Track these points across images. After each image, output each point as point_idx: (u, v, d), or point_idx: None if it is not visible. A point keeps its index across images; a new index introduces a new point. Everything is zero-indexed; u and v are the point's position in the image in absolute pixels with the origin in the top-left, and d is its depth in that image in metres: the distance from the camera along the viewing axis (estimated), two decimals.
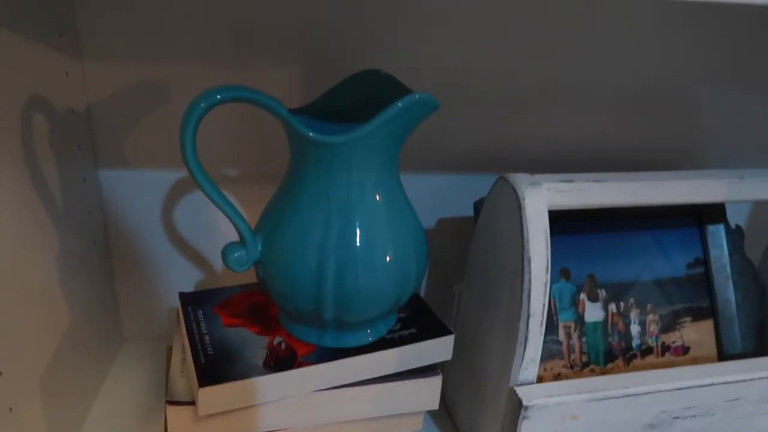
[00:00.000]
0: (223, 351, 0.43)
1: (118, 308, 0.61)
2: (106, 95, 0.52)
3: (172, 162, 0.56)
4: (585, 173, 0.44)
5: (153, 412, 0.52)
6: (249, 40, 0.51)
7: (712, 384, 0.44)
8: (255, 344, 0.44)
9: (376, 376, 0.44)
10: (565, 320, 0.54)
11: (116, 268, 0.59)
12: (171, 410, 0.41)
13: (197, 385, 0.39)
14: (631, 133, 0.62)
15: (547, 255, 0.40)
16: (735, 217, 0.68)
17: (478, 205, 0.55)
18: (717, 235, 0.58)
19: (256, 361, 0.42)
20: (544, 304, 0.41)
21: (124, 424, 0.51)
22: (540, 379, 0.51)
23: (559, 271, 0.55)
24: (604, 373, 0.54)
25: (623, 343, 0.55)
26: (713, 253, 0.58)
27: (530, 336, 0.41)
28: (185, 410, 0.41)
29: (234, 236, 0.58)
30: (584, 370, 0.53)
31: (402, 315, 0.49)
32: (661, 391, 0.43)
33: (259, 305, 0.49)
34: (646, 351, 0.55)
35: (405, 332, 0.46)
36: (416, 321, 0.48)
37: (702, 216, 0.58)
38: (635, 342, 0.55)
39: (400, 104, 0.38)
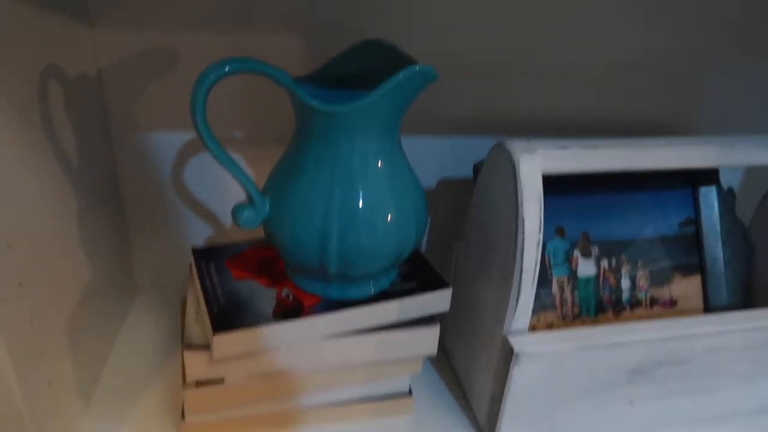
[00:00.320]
0: (235, 302, 0.46)
1: (132, 260, 0.64)
2: (115, 61, 0.53)
3: (181, 123, 0.58)
4: (579, 139, 0.46)
5: (169, 354, 0.56)
6: (254, 6, 0.52)
7: (692, 335, 0.47)
8: (264, 296, 0.47)
9: (378, 325, 0.48)
10: (558, 275, 0.57)
11: (130, 223, 0.62)
12: (188, 354, 0.44)
13: (211, 332, 0.43)
14: (627, 97, 0.63)
15: (540, 217, 0.43)
16: (728, 180, 0.70)
17: (477, 168, 0.57)
18: (709, 196, 0.60)
19: (265, 311, 0.45)
20: (536, 262, 0.43)
21: (143, 364, 0.55)
22: (533, 329, 0.55)
23: (555, 230, 0.57)
24: (594, 324, 0.57)
25: (613, 297, 0.58)
26: (705, 213, 0.60)
27: (522, 290, 0.44)
28: (201, 354, 0.44)
29: (241, 194, 0.61)
30: (575, 321, 0.57)
31: (403, 269, 0.52)
32: (643, 341, 0.46)
33: (267, 260, 0.52)
34: (635, 304, 0.58)
35: (406, 285, 0.49)
36: (416, 275, 0.51)
37: (696, 178, 0.60)
38: (625, 296, 0.58)
39: (401, 75, 0.39)
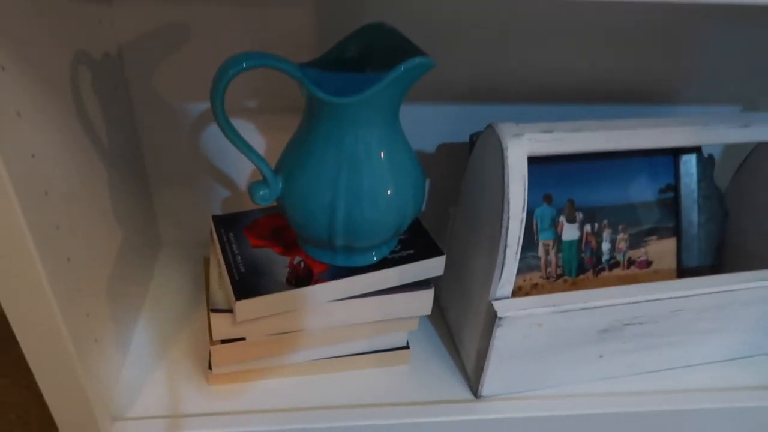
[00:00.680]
0: (253, 269, 0.52)
1: (156, 218, 0.70)
2: (134, 38, 0.57)
3: (198, 93, 0.62)
4: (564, 122, 0.50)
5: (195, 308, 0.63)
6: None
7: (656, 300, 0.53)
8: (278, 263, 0.53)
9: (380, 288, 0.54)
10: (544, 239, 0.62)
11: (153, 183, 0.67)
12: (213, 316, 0.51)
13: (234, 298, 0.49)
14: (622, 64, 0.66)
15: (524, 197, 0.47)
16: (710, 146, 0.73)
17: (472, 138, 0.61)
18: (689, 163, 0.64)
19: (279, 278, 0.51)
20: (519, 237, 0.49)
21: (172, 317, 0.62)
22: (519, 288, 0.61)
23: (543, 197, 0.62)
24: (575, 283, 0.63)
25: (594, 258, 0.64)
26: (684, 180, 0.64)
27: (506, 262, 0.49)
28: (225, 316, 0.50)
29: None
30: (558, 281, 0.63)
31: (403, 237, 0.57)
32: (612, 305, 0.52)
33: (280, 228, 0.57)
34: (614, 265, 0.64)
35: (404, 253, 0.55)
36: (415, 242, 0.56)
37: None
38: (605, 257, 0.64)
39: (402, 68, 0.43)
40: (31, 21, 0.39)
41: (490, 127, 0.50)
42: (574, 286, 0.63)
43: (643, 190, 0.64)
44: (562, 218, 0.62)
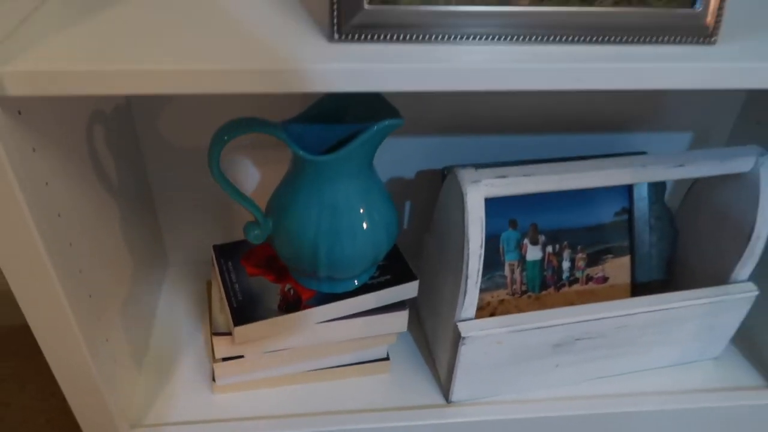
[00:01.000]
0: (249, 297, 0.60)
1: (163, 241, 0.77)
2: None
3: (199, 132, 0.69)
4: (517, 167, 0.57)
5: (200, 325, 0.71)
6: None
7: (603, 318, 0.60)
8: (271, 291, 0.61)
9: (361, 311, 0.61)
10: (510, 260, 0.69)
11: (159, 211, 0.74)
12: (215, 339, 0.58)
13: (233, 324, 0.57)
14: (585, 99, 0.72)
15: (482, 236, 0.55)
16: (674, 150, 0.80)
17: (444, 173, 0.68)
18: (641, 189, 0.71)
19: (272, 304, 0.59)
20: (478, 269, 0.56)
21: (180, 332, 0.70)
22: (488, 304, 0.69)
23: (508, 222, 0.69)
24: (538, 299, 0.70)
25: (555, 276, 0.71)
26: (637, 204, 0.71)
27: (468, 290, 0.57)
28: (225, 339, 0.58)
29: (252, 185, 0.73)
30: (522, 297, 0.70)
31: (381, 263, 0.65)
32: (563, 324, 0.59)
33: (273, 257, 0.65)
34: (573, 281, 0.71)
35: (382, 278, 0.62)
36: (391, 268, 0.64)
37: None
38: (565, 275, 0.71)
39: (374, 129, 0.50)
40: None
41: (452, 173, 0.57)
42: (538, 301, 0.71)
43: (600, 214, 0.71)
44: (526, 241, 0.69)
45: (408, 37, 0.41)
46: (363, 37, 0.40)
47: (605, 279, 0.72)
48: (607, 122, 0.75)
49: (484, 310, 0.69)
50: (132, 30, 0.42)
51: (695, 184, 0.70)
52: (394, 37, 0.41)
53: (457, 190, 0.56)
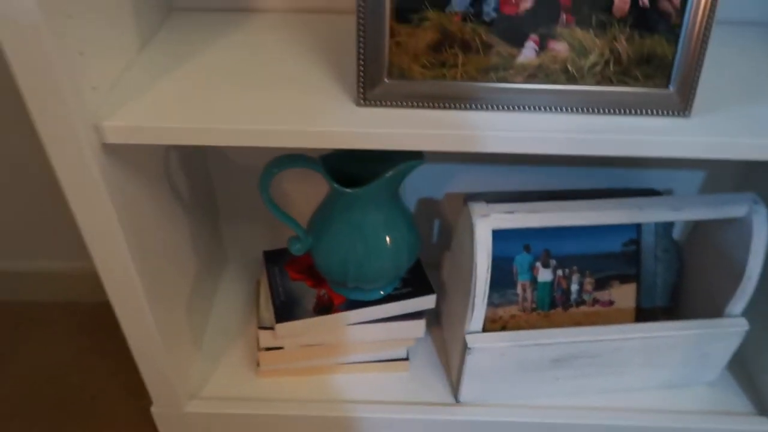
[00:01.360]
0: (290, 298, 0.71)
1: (223, 242, 0.90)
2: None
3: (258, 150, 0.80)
4: (525, 203, 0.65)
5: (249, 317, 0.83)
6: None
7: (598, 340, 0.67)
8: (309, 294, 0.71)
9: (384, 317, 0.71)
10: (522, 280, 0.77)
11: (222, 216, 0.87)
12: (261, 332, 0.70)
13: (275, 321, 0.68)
14: None
15: (488, 263, 0.63)
16: (687, 188, 0.84)
17: (465, 199, 0.76)
18: (650, 224, 0.77)
19: (309, 306, 0.70)
20: (484, 291, 0.64)
21: (233, 323, 0.82)
22: (500, 318, 0.77)
23: (523, 246, 0.77)
24: (546, 316, 0.78)
25: (564, 297, 0.78)
26: (644, 236, 0.77)
27: (475, 307, 0.65)
28: (269, 332, 0.70)
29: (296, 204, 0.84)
30: (532, 314, 0.78)
31: (406, 277, 0.74)
32: (561, 343, 0.67)
33: (313, 265, 0.76)
34: (581, 303, 0.79)
35: (405, 290, 0.72)
36: (413, 282, 0.73)
37: None
38: (573, 297, 0.78)
39: (399, 168, 0.59)
40: None
41: (467, 205, 0.65)
42: (546, 318, 0.78)
43: (609, 244, 0.77)
44: (538, 264, 0.77)
45: (419, 104, 0.50)
46: (383, 103, 0.50)
47: (611, 302, 0.79)
48: (626, 159, 0.81)
49: (496, 323, 0.77)
50: (201, 90, 0.53)
51: (700, 223, 0.75)
52: (409, 105, 0.50)
53: (469, 222, 0.64)
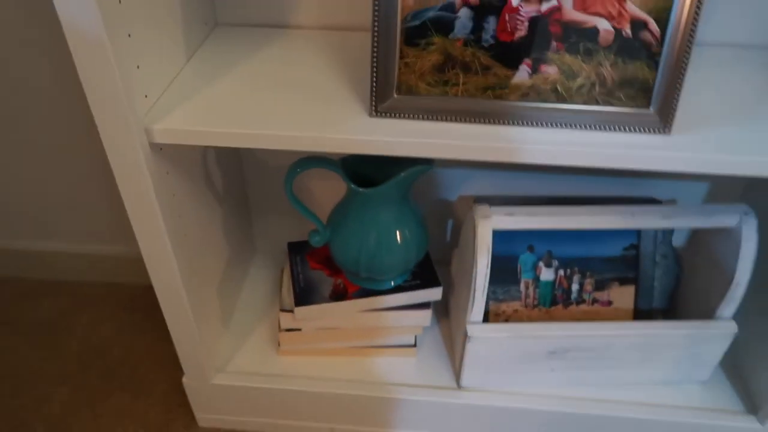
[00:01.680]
0: (309, 285, 0.78)
1: (253, 234, 0.98)
2: None
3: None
4: (523, 207, 0.70)
5: (272, 302, 0.91)
6: None
7: (589, 335, 0.73)
8: (326, 282, 0.79)
9: (394, 306, 0.78)
10: (526, 278, 0.83)
11: (252, 211, 0.95)
12: (281, 314, 0.78)
13: (294, 305, 0.76)
14: None
15: (488, 261, 0.69)
16: (692, 198, 0.89)
17: (475, 201, 0.82)
18: (650, 231, 0.82)
19: (325, 293, 0.77)
20: (484, 285, 0.71)
21: (258, 306, 0.90)
22: (503, 312, 0.83)
23: (527, 247, 0.83)
24: (547, 312, 0.84)
25: (565, 296, 0.84)
26: (643, 242, 0.82)
27: (475, 300, 0.72)
28: (289, 315, 0.77)
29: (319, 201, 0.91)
30: (534, 310, 0.84)
31: (415, 270, 0.81)
32: (555, 336, 0.73)
33: (330, 256, 0.83)
34: (581, 302, 0.84)
35: (413, 282, 0.79)
36: (422, 275, 0.80)
37: None
38: (573, 296, 0.84)
39: (410, 171, 0.66)
40: None
41: (472, 207, 0.72)
42: (547, 314, 0.84)
43: (610, 248, 0.82)
44: (541, 263, 0.83)
45: (424, 117, 0.56)
46: (393, 115, 0.57)
47: (610, 303, 0.84)
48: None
49: (500, 317, 0.83)
50: (236, 99, 0.60)
51: (697, 231, 0.80)
52: (415, 117, 0.56)
53: (472, 222, 0.70)
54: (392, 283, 0.78)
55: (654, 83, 0.53)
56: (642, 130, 0.55)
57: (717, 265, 0.74)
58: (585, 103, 0.54)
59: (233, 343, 0.85)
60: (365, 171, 0.72)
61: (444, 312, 0.89)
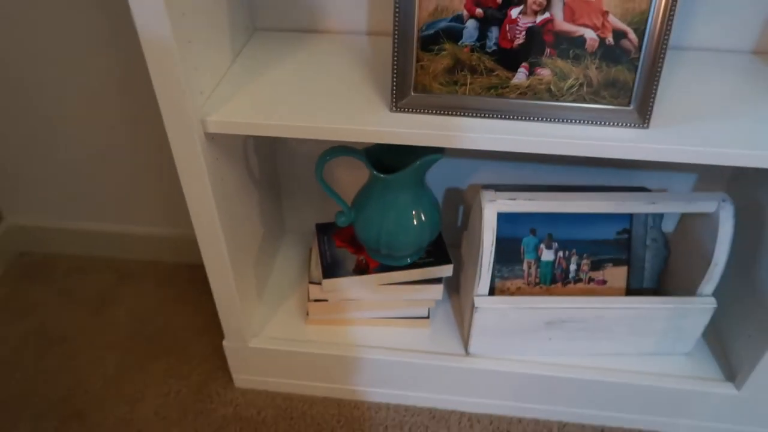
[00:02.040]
0: (335, 261, 0.88)
1: (283, 214, 1.09)
2: None
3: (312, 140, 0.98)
4: (525, 192, 0.80)
5: (302, 276, 1.01)
6: None
7: (582, 308, 0.82)
8: (350, 259, 0.89)
9: (410, 280, 0.88)
10: (528, 258, 0.92)
11: (282, 193, 1.05)
12: (310, 286, 0.88)
13: (322, 277, 0.86)
14: None
15: (493, 240, 0.79)
16: (682, 188, 0.97)
17: (483, 188, 0.92)
18: (641, 217, 0.90)
19: (349, 268, 0.87)
20: (489, 261, 0.80)
21: (289, 280, 1.00)
22: (507, 288, 0.92)
23: (529, 230, 0.92)
24: (548, 290, 0.93)
25: (563, 275, 0.93)
26: (635, 226, 0.91)
27: (482, 275, 0.81)
28: (317, 287, 0.88)
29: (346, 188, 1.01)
30: (535, 287, 0.93)
31: (429, 249, 0.90)
32: (551, 308, 0.82)
33: (355, 235, 0.93)
34: (578, 280, 0.93)
35: (427, 259, 0.89)
36: (435, 253, 0.90)
37: None
38: (571, 275, 0.93)
39: (424, 160, 0.76)
40: None
41: (480, 192, 0.81)
42: (547, 291, 0.93)
43: (604, 231, 0.91)
44: (542, 245, 0.92)
45: (437, 112, 0.66)
46: (410, 110, 0.66)
47: (604, 282, 0.93)
48: (629, 161, 0.95)
49: (505, 293, 0.92)
50: (275, 95, 0.70)
51: (683, 216, 0.88)
52: (429, 112, 0.66)
53: (479, 205, 0.80)
54: (408, 260, 0.88)
55: (634, 84, 0.62)
56: (624, 124, 0.64)
57: (699, 247, 0.83)
58: (575, 101, 0.64)
59: (266, 313, 0.96)
60: (386, 159, 0.82)
61: (455, 288, 0.99)
